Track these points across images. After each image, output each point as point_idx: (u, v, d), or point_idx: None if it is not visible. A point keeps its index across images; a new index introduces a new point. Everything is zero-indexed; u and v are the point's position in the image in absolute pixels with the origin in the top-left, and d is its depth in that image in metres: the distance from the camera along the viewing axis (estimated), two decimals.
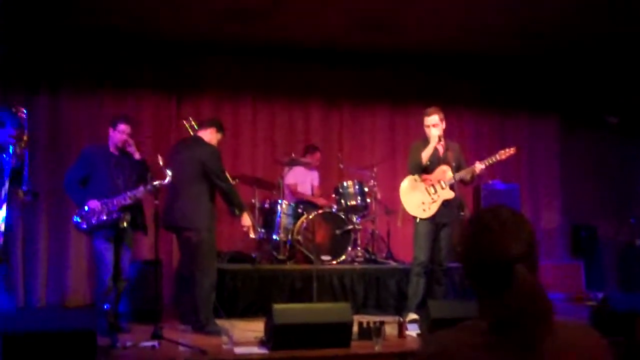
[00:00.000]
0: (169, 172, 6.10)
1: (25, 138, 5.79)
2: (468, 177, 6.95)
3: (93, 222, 6.26)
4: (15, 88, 8.33)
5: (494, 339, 1.68)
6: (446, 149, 6.96)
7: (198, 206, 6.42)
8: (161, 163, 6.09)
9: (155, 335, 5.64)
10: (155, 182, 6.11)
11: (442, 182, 6.90)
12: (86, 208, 6.27)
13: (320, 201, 8.89)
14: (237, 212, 6.68)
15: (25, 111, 5.85)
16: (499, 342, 1.67)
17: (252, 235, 6.97)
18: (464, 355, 1.70)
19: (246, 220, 6.71)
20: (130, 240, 6.59)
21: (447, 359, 1.72)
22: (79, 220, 6.30)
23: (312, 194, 9.09)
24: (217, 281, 6.62)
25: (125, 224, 6.27)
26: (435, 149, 6.92)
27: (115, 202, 6.27)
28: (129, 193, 6.28)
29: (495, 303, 1.72)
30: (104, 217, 6.26)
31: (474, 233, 1.83)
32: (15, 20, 7.85)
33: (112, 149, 6.57)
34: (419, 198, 6.95)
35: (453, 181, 6.90)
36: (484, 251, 1.78)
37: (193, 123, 6.93)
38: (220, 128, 6.77)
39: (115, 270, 6.38)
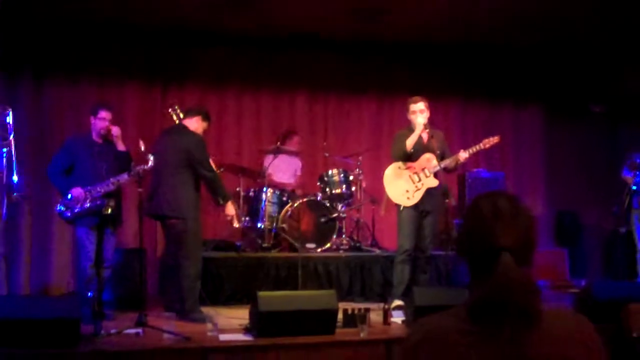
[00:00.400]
0: (151, 157, 6.08)
1: (11, 139, 5.80)
2: (452, 165, 6.96)
3: (77, 209, 6.25)
4: None
5: (476, 324, 1.69)
6: (430, 137, 6.96)
7: (183, 194, 6.40)
8: (143, 148, 6.05)
9: (140, 323, 5.61)
10: (138, 167, 6.08)
11: (426, 170, 6.90)
12: (69, 196, 6.26)
13: (293, 187, 8.88)
14: (221, 201, 6.66)
15: (10, 110, 5.84)
16: (481, 329, 1.68)
17: (235, 225, 6.96)
18: (450, 340, 1.70)
19: (230, 209, 6.69)
20: (114, 227, 6.57)
21: (434, 345, 1.73)
22: (62, 208, 6.28)
23: (295, 183, 9.07)
24: (202, 269, 6.61)
25: (109, 210, 6.25)
26: (420, 137, 6.92)
27: (98, 189, 6.26)
28: (112, 179, 6.27)
29: (477, 289, 1.74)
30: (88, 205, 6.24)
31: (468, 217, 1.85)
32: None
33: (95, 138, 6.56)
34: (403, 186, 6.95)
35: (437, 169, 6.90)
36: (475, 236, 1.80)
37: (179, 111, 6.89)
38: (206, 116, 6.73)
39: (97, 258, 6.37)
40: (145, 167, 6.09)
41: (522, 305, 1.67)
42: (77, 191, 6.26)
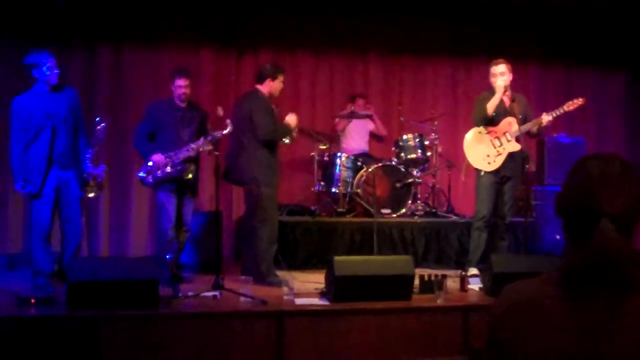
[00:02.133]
0: (228, 122, 6.09)
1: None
2: (535, 129, 6.75)
3: (158, 175, 6.31)
4: (76, 44, 8.36)
5: (570, 291, 1.60)
6: (512, 101, 6.77)
7: (255, 159, 6.39)
8: (221, 113, 6.05)
9: (216, 286, 5.66)
10: (216, 133, 6.10)
11: (507, 134, 6.72)
12: (150, 163, 6.32)
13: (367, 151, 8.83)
14: (290, 139, 6.70)
15: (104, 123, 6.01)
16: (574, 296, 1.59)
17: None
18: (541, 307, 1.63)
19: (292, 120, 6.66)
20: (193, 192, 6.62)
21: (524, 311, 1.65)
22: (143, 175, 6.36)
23: (381, 137, 8.97)
24: (277, 233, 6.62)
25: (190, 175, 6.31)
26: (501, 101, 6.73)
27: (179, 154, 6.30)
28: (192, 145, 6.30)
29: (572, 255, 1.65)
30: (168, 170, 6.30)
31: (573, 176, 1.73)
32: None
33: (177, 102, 6.57)
34: (484, 151, 6.79)
35: (519, 133, 6.71)
36: (577, 198, 1.69)
37: None
38: (273, 75, 6.57)
39: (177, 221, 6.45)
40: (224, 132, 6.11)
41: (619, 273, 1.58)
42: (158, 157, 6.32)
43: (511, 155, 6.74)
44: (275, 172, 6.53)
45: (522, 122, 6.70)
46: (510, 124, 6.73)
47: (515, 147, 6.74)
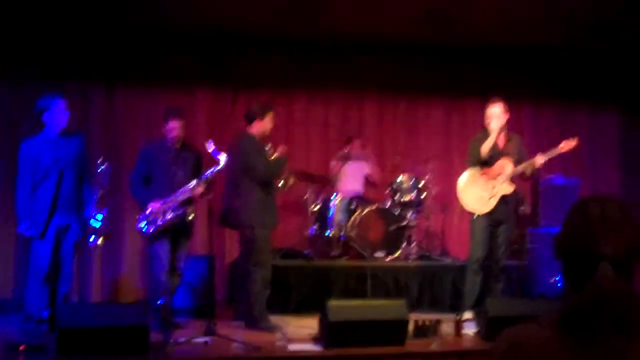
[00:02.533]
0: (221, 157, 6.06)
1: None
2: (528, 170, 6.73)
3: (159, 223, 6.23)
4: (70, 84, 8.36)
5: (569, 334, 1.58)
6: (507, 141, 6.78)
7: (249, 202, 6.36)
8: (212, 148, 6.03)
9: (209, 331, 5.60)
10: (210, 170, 6.08)
11: (501, 177, 6.71)
12: (148, 211, 6.24)
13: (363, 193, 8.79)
14: (289, 181, 6.71)
15: (106, 164, 5.99)
16: (573, 341, 1.57)
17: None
18: (540, 351, 1.60)
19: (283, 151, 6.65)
20: (188, 236, 6.56)
21: (522, 355, 1.62)
22: (144, 225, 6.25)
23: (373, 183, 8.94)
24: (271, 277, 6.57)
25: (192, 216, 6.26)
26: (496, 142, 6.74)
27: (177, 197, 6.23)
28: (188, 186, 6.23)
29: (571, 299, 1.63)
30: (169, 216, 6.22)
31: (572, 218, 1.73)
32: (69, 18, 7.88)
33: (170, 143, 6.51)
34: (478, 193, 6.77)
35: (513, 175, 6.70)
36: (576, 240, 1.68)
37: None
38: (262, 115, 6.55)
39: (170, 266, 6.38)
40: (218, 167, 6.08)
41: (618, 316, 1.56)
42: (155, 204, 6.24)
43: (504, 198, 6.72)
44: (271, 213, 6.49)
45: (516, 162, 6.69)
46: (503, 167, 6.72)
47: (509, 189, 6.72)
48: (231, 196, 6.50)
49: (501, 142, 6.80)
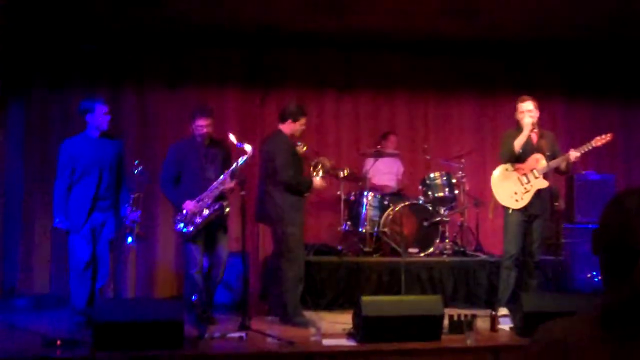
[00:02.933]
0: (247, 147, 6.09)
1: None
2: (563, 165, 6.67)
3: (198, 221, 6.26)
4: (102, 84, 8.45)
5: (610, 331, 1.53)
6: (540, 137, 6.72)
7: (280, 199, 6.38)
8: (235, 140, 6.06)
9: (243, 327, 5.62)
10: (237, 162, 6.13)
11: (535, 171, 6.65)
12: (184, 212, 6.27)
13: (391, 189, 8.79)
14: (306, 194, 6.61)
15: (141, 166, 6.11)
16: (614, 337, 1.53)
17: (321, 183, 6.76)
18: (579, 347, 1.56)
19: (318, 184, 6.64)
20: (225, 229, 6.59)
21: (561, 352, 1.58)
22: (183, 225, 6.29)
23: (397, 186, 8.93)
24: (304, 273, 6.57)
25: (228, 209, 6.30)
26: (529, 137, 6.69)
27: (210, 194, 6.26)
28: (214, 184, 6.26)
29: (612, 294, 1.58)
30: (207, 213, 6.25)
31: (609, 212, 1.66)
32: (100, 18, 7.94)
33: (199, 140, 6.52)
34: (512, 188, 6.72)
35: (547, 170, 6.64)
36: (616, 235, 1.61)
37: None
38: (295, 117, 6.57)
39: (213, 259, 6.47)
40: (245, 157, 6.12)
41: None
42: (190, 205, 6.27)
43: (539, 193, 6.66)
44: (301, 211, 6.50)
45: (550, 158, 6.63)
46: (537, 161, 6.66)
47: (543, 184, 6.66)
48: (263, 192, 6.55)
49: (534, 139, 6.73)
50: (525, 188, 6.66)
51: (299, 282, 6.45)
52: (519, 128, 6.74)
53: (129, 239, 6.14)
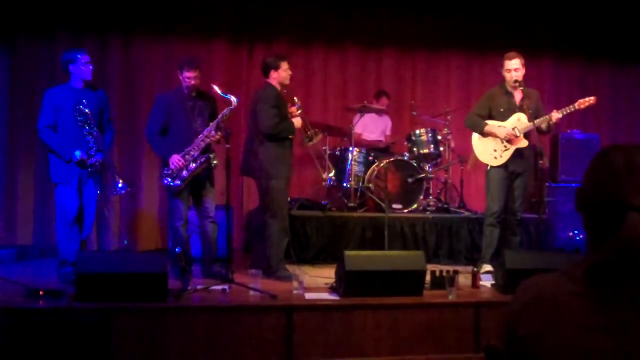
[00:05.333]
0: (232, 98, 6.09)
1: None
2: (544, 125, 6.62)
3: (185, 175, 6.20)
4: (88, 33, 8.33)
5: (593, 287, 1.54)
6: (523, 96, 6.69)
7: (264, 152, 6.35)
8: (218, 91, 6.05)
9: (226, 279, 5.63)
10: (222, 113, 6.12)
11: (516, 130, 6.63)
12: (171, 166, 6.21)
13: (383, 144, 8.78)
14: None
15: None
16: (597, 293, 1.53)
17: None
18: (562, 303, 1.56)
19: (297, 122, 6.58)
20: (212, 182, 6.53)
21: (544, 307, 1.59)
22: (170, 180, 6.22)
23: (385, 142, 8.93)
24: (289, 227, 6.58)
25: (215, 162, 6.26)
26: (512, 96, 6.68)
27: (196, 147, 6.20)
28: (200, 136, 6.21)
29: (597, 251, 1.58)
30: (194, 166, 6.20)
31: (595, 168, 1.65)
32: None
33: (186, 92, 6.41)
34: (491, 145, 6.72)
35: (528, 129, 6.63)
36: (601, 191, 1.60)
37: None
38: (275, 65, 6.47)
39: (202, 214, 6.45)
40: (229, 108, 6.13)
41: None
42: (175, 159, 6.18)
43: (520, 151, 6.66)
44: (286, 164, 6.47)
45: (532, 117, 6.60)
46: (519, 120, 6.65)
47: (524, 142, 6.64)
48: (249, 146, 6.53)
49: (517, 97, 6.71)
50: (505, 146, 6.65)
51: (283, 236, 6.46)
52: (502, 85, 6.73)
53: (119, 184, 6.13)
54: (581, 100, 6.63)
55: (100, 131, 6.26)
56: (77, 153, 6.03)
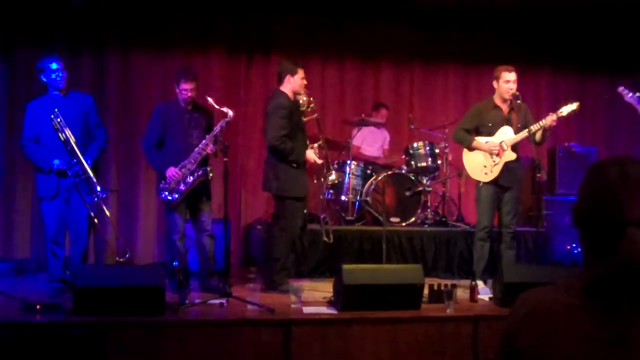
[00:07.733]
0: (228, 111, 6.08)
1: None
2: (538, 135, 6.59)
3: (182, 188, 6.19)
4: (86, 44, 8.35)
5: (592, 300, 1.54)
6: (510, 109, 6.69)
7: (275, 166, 6.30)
8: (213, 103, 6.05)
9: (224, 293, 5.62)
10: (218, 125, 6.10)
11: (503, 144, 6.64)
12: (168, 180, 6.19)
13: (382, 161, 8.76)
14: (294, 165, 6.33)
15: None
16: (595, 307, 1.53)
17: (318, 161, 6.56)
18: (560, 315, 1.57)
19: (310, 156, 6.44)
20: (208, 196, 6.52)
21: (542, 319, 1.59)
22: (167, 193, 6.20)
23: (383, 155, 8.94)
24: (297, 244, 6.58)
25: (211, 175, 6.25)
26: (500, 109, 6.70)
27: (193, 160, 6.19)
28: (197, 149, 6.19)
29: (597, 264, 1.58)
30: (191, 179, 6.19)
31: (589, 184, 1.64)
32: None
33: (183, 105, 6.40)
34: (481, 161, 6.73)
35: (516, 142, 6.62)
36: (598, 207, 1.60)
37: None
38: (292, 70, 6.35)
39: (198, 227, 6.42)
40: (225, 120, 6.11)
41: None
42: (172, 172, 6.16)
43: (508, 165, 6.65)
44: (302, 185, 6.39)
45: (519, 131, 6.60)
46: (506, 134, 6.66)
47: (511, 156, 6.64)
48: (266, 161, 6.48)
49: (505, 110, 6.71)
50: (494, 161, 6.66)
51: (289, 251, 6.44)
52: (491, 100, 6.78)
53: (97, 188, 6.00)
54: (564, 107, 6.58)
55: (89, 137, 6.19)
56: (56, 162, 5.95)
